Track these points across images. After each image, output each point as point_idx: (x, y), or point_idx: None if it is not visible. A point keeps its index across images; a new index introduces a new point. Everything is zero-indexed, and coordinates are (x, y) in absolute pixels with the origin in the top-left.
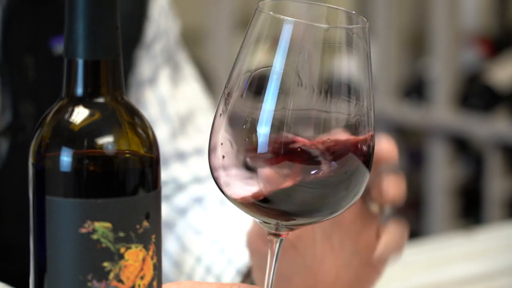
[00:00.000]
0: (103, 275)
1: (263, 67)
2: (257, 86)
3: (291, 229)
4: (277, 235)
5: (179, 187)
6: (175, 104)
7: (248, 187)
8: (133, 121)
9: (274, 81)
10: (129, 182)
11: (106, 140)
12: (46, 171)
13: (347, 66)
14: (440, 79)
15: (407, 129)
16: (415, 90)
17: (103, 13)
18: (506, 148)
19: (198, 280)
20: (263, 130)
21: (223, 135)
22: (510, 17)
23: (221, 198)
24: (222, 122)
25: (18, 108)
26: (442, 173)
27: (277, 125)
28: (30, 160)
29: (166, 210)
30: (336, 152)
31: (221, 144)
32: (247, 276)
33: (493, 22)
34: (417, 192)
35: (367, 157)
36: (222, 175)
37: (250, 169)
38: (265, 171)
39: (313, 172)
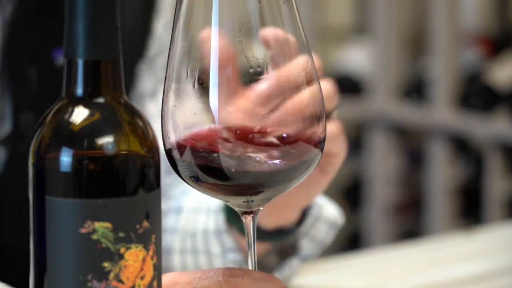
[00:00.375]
0: (103, 275)
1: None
2: (206, 69)
3: (262, 203)
4: (249, 213)
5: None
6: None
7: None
8: (133, 121)
9: (214, 64)
10: (129, 182)
11: (106, 140)
12: (46, 171)
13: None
14: (440, 79)
15: (407, 129)
16: (415, 90)
17: (103, 13)
18: (506, 148)
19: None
20: (216, 106)
21: (175, 117)
22: (510, 17)
23: (195, 207)
24: (172, 108)
25: (19, 117)
26: (442, 173)
27: (226, 107)
28: (30, 160)
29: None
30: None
31: (174, 127)
32: None
33: (493, 22)
34: (417, 192)
35: (317, 142)
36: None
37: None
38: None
39: (265, 151)
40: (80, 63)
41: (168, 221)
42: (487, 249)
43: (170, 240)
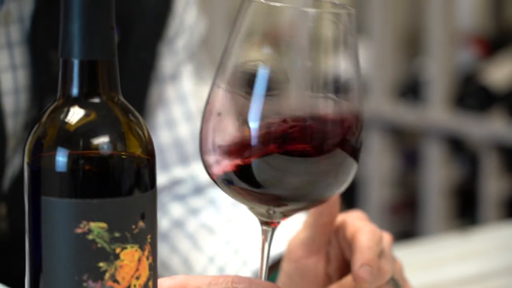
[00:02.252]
0: (98, 275)
1: (254, 61)
2: (247, 80)
3: (284, 216)
4: (269, 224)
5: (197, 188)
6: (197, 102)
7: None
8: (129, 121)
9: (262, 76)
10: (125, 182)
11: (101, 140)
12: (42, 171)
13: (336, 60)
14: (435, 79)
15: (402, 129)
16: (411, 90)
17: (98, 13)
18: (501, 148)
19: None
20: (253, 123)
21: (214, 128)
22: (506, 18)
23: (233, 201)
24: (214, 115)
25: (45, 103)
26: (438, 173)
27: (268, 120)
28: (26, 160)
29: (180, 209)
30: (325, 143)
31: (214, 137)
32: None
33: (488, 22)
34: (413, 193)
35: (354, 151)
36: (214, 165)
37: (242, 158)
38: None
39: (302, 161)
40: (76, 63)
41: (180, 243)
42: (483, 250)
43: (183, 268)
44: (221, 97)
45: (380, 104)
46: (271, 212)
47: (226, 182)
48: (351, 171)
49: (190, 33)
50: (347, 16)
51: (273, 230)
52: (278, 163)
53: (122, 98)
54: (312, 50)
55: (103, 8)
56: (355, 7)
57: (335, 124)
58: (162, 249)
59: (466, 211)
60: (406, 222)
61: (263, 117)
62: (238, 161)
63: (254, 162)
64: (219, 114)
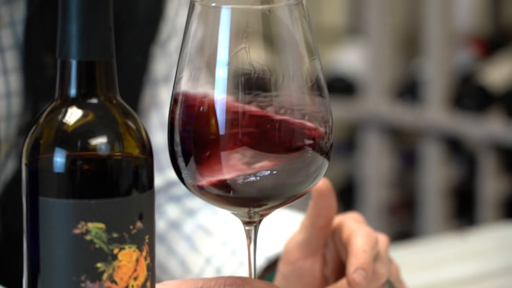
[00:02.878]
0: (96, 276)
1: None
2: (210, 77)
3: (263, 215)
4: (251, 223)
5: None
6: None
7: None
8: (126, 122)
9: (222, 70)
10: (123, 182)
11: (99, 141)
12: (40, 172)
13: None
14: (433, 79)
15: (400, 129)
16: (409, 90)
17: (96, 14)
18: (499, 149)
19: None
20: (220, 117)
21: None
22: (504, 18)
23: None
24: (180, 119)
25: (39, 107)
26: (436, 174)
27: (232, 112)
28: (23, 161)
29: (176, 211)
30: (293, 141)
31: (181, 137)
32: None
33: (486, 22)
34: (411, 193)
35: (324, 149)
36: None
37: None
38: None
39: (272, 161)
40: (74, 63)
41: (178, 245)
42: (480, 250)
43: (180, 270)
44: (185, 98)
45: (378, 105)
46: (251, 213)
47: (198, 188)
48: (322, 167)
49: (182, 35)
50: (300, 5)
51: (256, 228)
52: (248, 160)
53: (120, 99)
54: (272, 40)
55: (101, 9)
56: (353, 8)
57: (303, 122)
58: (159, 251)
59: (464, 211)
60: (404, 223)
61: (229, 114)
62: (207, 166)
63: (224, 163)
64: (187, 112)
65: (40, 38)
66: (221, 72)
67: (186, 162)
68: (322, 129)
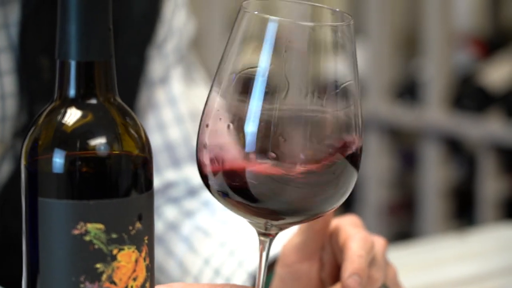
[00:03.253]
0: (95, 277)
1: (250, 68)
2: (244, 87)
3: (281, 229)
4: (266, 235)
5: (191, 191)
6: (188, 105)
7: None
8: (125, 123)
9: (260, 82)
10: (122, 183)
11: (98, 142)
12: (39, 173)
13: (334, 66)
14: (433, 80)
15: (400, 130)
16: (408, 91)
17: (96, 14)
18: (499, 149)
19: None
20: (250, 129)
21: (211, 134)
22: (503, 18)
23: None
24: (211, 122)
25: (34, 109)
26: (435, 174)
27: (265, 126)
28: (23, 162)
29: (174, 212)
30: (324, 152)
31: (210, 146)
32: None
33: (486, 23)
34: (410, 193)
35: (354, 158)
36: (210, 174)
37: (237, 168)
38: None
39: (301, 171)
40: (73, 64)
41: (176, 247)
42: (480, 251)
43: (179, 271)
44: (218, 104)
45: (378, 105)
46: (268, 225)
47: (222, 194)
48: (352, 180)
49: (179, 36)
50: (346, 27)
51: (271, 240)
52: (275, 175)
53: (119, 99)
54: (310, 56)
55: (100, 10)
56: (352, 8)
57: (335, 132)
58: (158, 253)
59: (463, 212)
60: (403, 223)
61: (260, 125)
62: (232, 172)
63: (249, 173)
64: (216, 121)
65: (36, 40)
66: (258, 82)
67: (214, 170)
68: (353, 138)
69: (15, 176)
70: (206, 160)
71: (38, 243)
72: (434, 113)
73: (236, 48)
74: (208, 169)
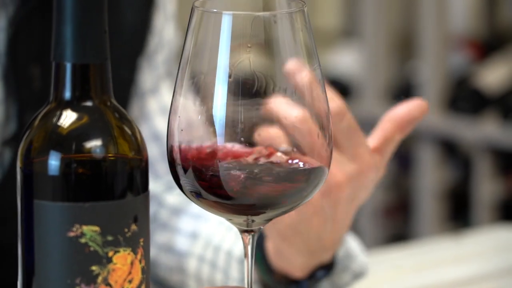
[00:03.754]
0: (91, 279)
1: (211, 65)
2: (208, 84)
3: (264, 223)
4: (249, 232)
5: None
6: None
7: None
8: (121, 125)
9: (222, 77)
10: (117, 185)
11: (94, 144)
12: (34, 175)
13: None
14: (428, 82)
15: None
16: (404, 93)
17: (91, 16)
18: (494, 151)
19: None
20: (218, 124)
21: (180, 134)
22: (499, 20)
23: None
24: (177, 123)
25: (23, 117)
26: (431, 176)
27: (232, 122)
28: (18, 164)
29: (178, 198)
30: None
31: (177, 142)
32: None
33: (481, 25)
34: (406, 195)
35: (325, 157)
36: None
37: (208, 164)
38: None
39: (272, 168)
40: (68, 66)
41: (183, 224)
42: (476, 253)
43: (188, 243)
44: (183, 104)
45: (373, 107)
46: (250, 221)
47: (195, 195)
48: (323, 175)
49: (168, 48)
50: (300, 12)
51: (254, 236)
52: (248, 170)
53: (114, 102)
54: (270, 46)
55: (95, 12)
56: (348, 10)
57: (304, 128)
58: (163, 236)
59: (459, 213)
60: (399, 225)
61: (228, 120)
62: (203, 168)
63: (222, 170)
64: (183, 120)
65: (26, 48)
66: (222, 81)
67: (185, 169)
68: (321, 137)
69: (2, 183)
70: (176, 159)
71: (33, 246)
72: (430, 115)
73: (192, 47)
74: (179, 168)
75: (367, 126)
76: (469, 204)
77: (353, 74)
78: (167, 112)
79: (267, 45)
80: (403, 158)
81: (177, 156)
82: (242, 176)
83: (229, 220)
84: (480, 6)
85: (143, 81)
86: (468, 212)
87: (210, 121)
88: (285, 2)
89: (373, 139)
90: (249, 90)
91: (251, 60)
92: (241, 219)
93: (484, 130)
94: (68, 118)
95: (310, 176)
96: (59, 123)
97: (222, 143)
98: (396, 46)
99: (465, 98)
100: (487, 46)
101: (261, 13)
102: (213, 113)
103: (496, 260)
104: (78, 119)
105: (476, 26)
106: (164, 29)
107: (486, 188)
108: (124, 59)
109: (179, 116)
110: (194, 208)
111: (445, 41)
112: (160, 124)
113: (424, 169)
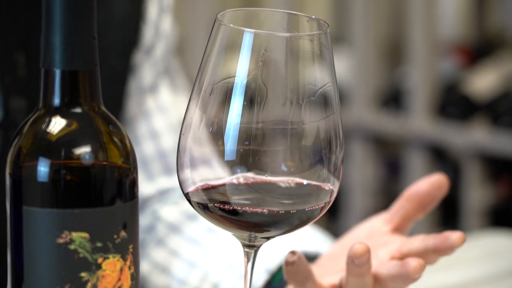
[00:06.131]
0: (80, 285)
1: (228, 78)
2: (222, 98)
3: (266, 240)
4: (251, 247)
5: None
6: (177, 112)
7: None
8: (110, 131)
9: (238, 92)
10: (107, 192)
11: (83, 150)
12: (24, 181)
13: (312, 75)
14: (417, 88)
15: (384, 138)
16: (393, 99)
17: (80, 24)
18: (483, 157)
19: None
20: (230, 140)
21: (191, 146)
22: (488, 26)
23: None
24: (189, 137)
25: (9, 104)
26: None
27: (244, 136)
28: (7, 170)
29: (174, 213)
30: (305, 163)
31: (190, 156)
32: None
33: (471, 31)
34: (395, 201)
35: (335, 168)
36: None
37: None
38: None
39: (279, 188)
40: (58, 73)
41: (181, 248)
42: (465, 259)
43: (185, 271)
44: (197, 116)
45: (362, 113)
46: (252, 237)
47: (202, 207)
48: (329, 196)
49: (166, 41)
50: (323, 35)
51: (256, 251)
52: (256, 187)
53: (103, 108)
54: (288, 65)
55: (84, 19)
56: (336, 16)
57: (316, 142)
58: (160, 254)
59: (448, 219)
60: None
61: (239, 136)
62: (212, 184)
63: (229, 186)
64: (195, 132)
65: (9, 36)
66: (236, 93)
67: (194, 182)
68: (333, 149)
69: None
70: (185, 170)
71: (22, 252)
72: (419, 121)
73: (213, 59)
74: (189, 180)
75: (357, 132)
76: (459, 210)
77: (342, 80)
78: (166, 111)
79: (287, 63)
80: (392, 164)
81: (186, 168)
82: (250, 195)
83: (233, 234)
84: (469, 12)
85: (143, 77)
86: (457, 218)
87: (221, 134)
88: (307, 21)
89: (392, 217)
90: (261, 107)
91: (261, 75)
92: (245, 234)
93: (473, 136)
94: (57, 124)
95: (317, 197)
96: (48, 130)
97: (232, 159)
98: (385, 52)
99: (454, 104)
100: (476, 52)
101: (282, 33)
102: (226, 129)
103: (485, 266)
104: (67, 125)
105: (465, 32)
106: (161, 21)
107: (475, 194)
108: (117, 51)
109: (191, 128)
110: (190, 230)
111: (434, 47)
112: (159, 123)
113: (413, 175)
